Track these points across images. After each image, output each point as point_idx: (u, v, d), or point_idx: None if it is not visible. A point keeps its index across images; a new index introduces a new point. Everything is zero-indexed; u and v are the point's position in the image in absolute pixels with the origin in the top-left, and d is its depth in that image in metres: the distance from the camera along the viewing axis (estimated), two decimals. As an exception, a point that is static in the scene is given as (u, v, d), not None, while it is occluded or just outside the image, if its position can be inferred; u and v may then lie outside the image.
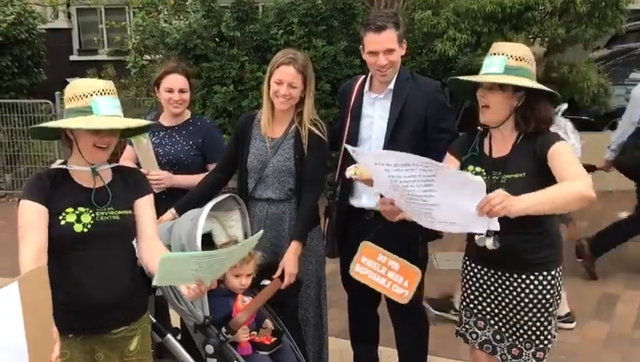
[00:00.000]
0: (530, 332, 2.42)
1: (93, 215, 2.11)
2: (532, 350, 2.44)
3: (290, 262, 2.72)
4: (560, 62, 7.16)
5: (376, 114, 2.85)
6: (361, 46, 2.80)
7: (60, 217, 2.08)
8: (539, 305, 2.38)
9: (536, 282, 2.38)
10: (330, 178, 3.05)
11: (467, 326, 2.61)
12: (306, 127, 2.78)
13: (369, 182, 2.52)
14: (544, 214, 2.25)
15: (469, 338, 2.61)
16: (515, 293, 2.41)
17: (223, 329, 2.50)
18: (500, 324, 2.50)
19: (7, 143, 7.68)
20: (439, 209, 2.13)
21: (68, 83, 2.18)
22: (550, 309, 2.40)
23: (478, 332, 2.57)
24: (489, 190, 2.31)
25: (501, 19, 6.55)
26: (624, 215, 5.31)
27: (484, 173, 2.39)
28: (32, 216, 2.04)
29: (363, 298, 3.11)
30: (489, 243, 2.28)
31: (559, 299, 2.47)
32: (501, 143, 2.41)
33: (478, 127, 2.46)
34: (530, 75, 2.32)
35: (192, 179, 3.07)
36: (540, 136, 2.31)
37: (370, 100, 2.87)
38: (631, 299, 4.49)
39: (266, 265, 2.76)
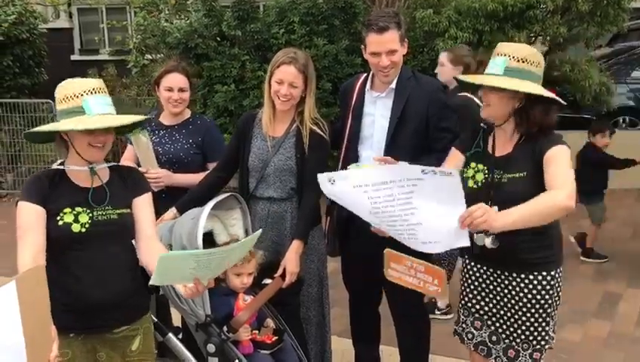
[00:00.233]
0: (527, 333, 2.41)
1: (90, 215, 2.10)
2: (529, 350, 2.43)
3: (291, 260, 2.72)
4: (562, 60, 7.15)
5: (377, 112, 2.84)
6: (362, 45, 2.79)
7: (58, 218, 2.07)
8: (537, 306, 2.38)
9: (535, 282, 2.37)
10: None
11: (464, 326, 2.60)
12: (307, 126, 2.78)
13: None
14: None
15: (465, 339, 2.61)
16: (513, 293, 2.41)
17: (225, 328, 2.50)
18: (498, 324, 2.49)
19: (9, 143, 7.69)
20: (422, 228, 2.13)
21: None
22: (548, 310, 2.39)
23: (475, 332, 2.56)
24: (490, 189, 2.32)
25: (503, 18, 6.54)
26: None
27: (486, 171, 2.39)
28: (30, 218, 2.04)
29: (364, 297, 3.11)
30: (488, 242, 2.28)
31: (559, 300, 2.46)
32: (504, 142, 2.40)
33: (482, 124, 2.46)
34: (533, 76, 2.29)
35: (192, 178, 3.06)
36: (542, 138, 2.30)
37: (372, 99, 2.86)
38: (633, 297, 4.49)
39: (267, 263, 2.76)
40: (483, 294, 2.51)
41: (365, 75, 2.94)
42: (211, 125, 3.32)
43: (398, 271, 2.45)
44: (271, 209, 2.85)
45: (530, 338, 2.41)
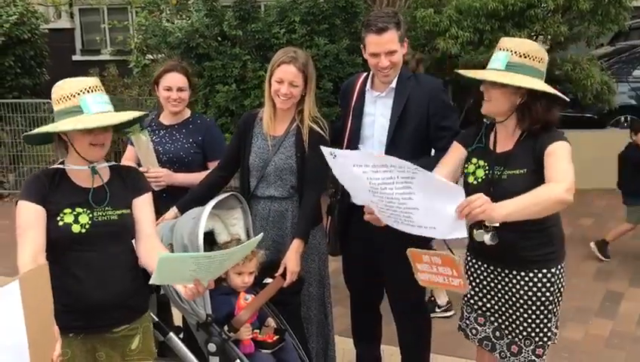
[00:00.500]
0: (529, 329, 2.41)
1: (90, 215, 2.10)
2: (532, 347, 2.43)
3: (292, 260, 2.72)
4: (563, 59, 7.15)
5: (378, 112, 2.84)
6: (362, 46, 2.79)
7: (58, 218, 2.07)
8: (538, 303, 2.38)
9: (535, 279, 2.37)
10: (333, 177, 3.05)
11: (468, 322, 2.61)
12: (307, 125, 2.78)
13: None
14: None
15: (470, 334, 2.62)
16: (514, 290, 2.41)
17: (226, 328, 2.50)
18: (500, 321, 2.50)
19: (11, 143, 7.69)
20: (418, 213, 2.11)
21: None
22: (550, 307, 2.40)
23: (478, 328, 2.57)
24: (490, 186, 2.32)
25: (503, 17, 6.54)
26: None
27: (487, 168, 2.39)
28: (30, 217, 2.04)
29: (365, 296, 3.11)
30: (487, 238, 2.28)
31: (560, 297, 2.46)
32: (505, 139, 2.40)
33: (485, 120, 2.46)
34: (535, 72, 2.28)
35: (192, 178, 3.07)
36: (543, 134, 2.30)
37: (372, 98, 2.86)
38: (635, 296, 4.48)
39: (268, 263, 2.76)
40: (485, 291, 2.51)
41: (366, 74, 2.94)
42: (211, 124, 3.32)
43: (425, 271, 2.43)
44: (272, 208, 2.86)
45: (532, 334, 2.41)
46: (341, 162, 2.22)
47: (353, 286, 3.15)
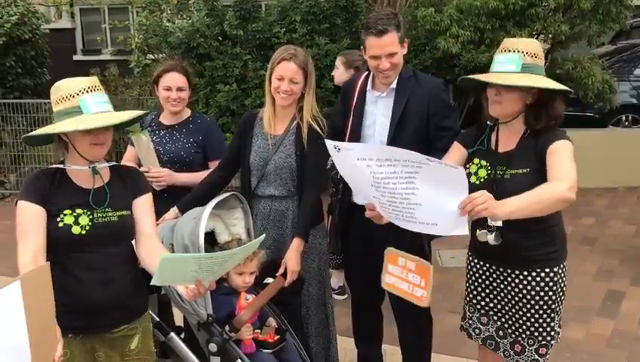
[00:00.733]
0: (532, 329, 2.41)
1: (91, 216, 2.10)
2: (535, 346, 2.43)
3: (292, 259, 2.72)
4: (564, 58, 7.15)
5: (378, 112, 2.84)
6: (362, 47, 2.79)
7: (58, 219, 2.07)
8: (540, 302, 2.38)
9: (538, 279, 2.37)
10: (333, 176, 3.05)
11: (470, 322, 2.61)
12: (307, 122, 2.79)
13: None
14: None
15: (473, 334, 2.61)
16: (516, 289, 2.41)
17: (227, 328, 2.50)
18: (503, 320, 2.50)
19: (12, 143, 7.69)
20: (421, 208, 2.10)
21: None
22: (552, 306, 2.40)
23: (482, 327, 2.57)
24: (493, 185, 2.32)
25: (504, 16, 6.54)
26: None
27: (489, 167, 2.39)
28: (30, 218, 2.03)
29: (366, 296, 3.11)
30: (491, 238, 2.27)
31: (563, 296, 2.46)
32: (508, 138, 2.40)
33: (488, 122, 2.45)
34: (542, 71, 2.31)
35: (193, 177, 3.07)
36: (546, 133, 2.30)
37: (373, 98, 2.86)
38: (636, 296, 4.47)
39: (268, 262, 2.76)
40: (487, 291, 2.51)
41: (366, 73, 2.94)
42: (211, 124, 3.32)
43: (393, 275, 2.44)
44: (272, 207, 2.86)
45: (536, 334, 2.41)
46: (344, 155, 2.20)
47: (354, 285, 3.15)
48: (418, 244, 2.65)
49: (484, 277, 2.51)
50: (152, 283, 1.94)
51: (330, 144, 2.21)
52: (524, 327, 2.43)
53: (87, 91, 2.04)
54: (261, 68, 6.48)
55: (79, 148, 2.09)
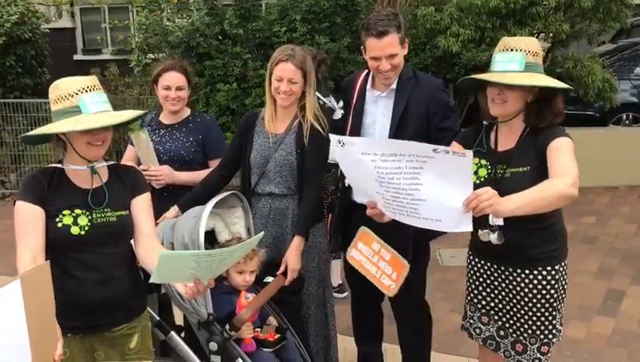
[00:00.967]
0: (534, 327, 2.41)
1: (90, 217, 2.09)
2: (537, 345, 2.43)
3: (292, 257, 2.72)
4: (564, 57, 7.14)
5: (378, 112, 2.84)
6: (362, 47, 2.79)
7: (57, 219, 2.06)
8: (542, 300, 2.38)
9: (539, 277, 2.37)
10: (333, 173, 3.05)
11: (471, 321, 2.61)
12: (309, 120, 2.79)
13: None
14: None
15: (473, 334, 2.61)
16: (518, 288, 2.41)
17: (227, 326, 2.50)
18: (504, 319, 2.49)
19: (12, 143, 7.69)
20: (425, 204, 2.09)
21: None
22: (554, 304, 2.39)
23: (482, 327, 2.57)
24: (493, 185, 2.31)
25: (505, 15, 6.53)
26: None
27: (489, 167, 2.39)
28: (28, 219, 2.03)
29: (366, 293, 3.10)
30: (493, 238, 2.26)
31: (564, 294, 2.46)
32: (507, 137, 2.40)
33: (484, 122, 2.44)
34: (542, 69, 2.32)
35: (193, 176, 3.06)
36: (545, 131, 2.30)
37: (373, 98, 2.86)
38: (637, 294, 4.47)
39: (268, 261, 2.76)
40: (489, 290, 2.51)
41: (367, 71, 2.93)
42: (211, 122, 3.32)
43: (362, 254, 2.42)
44: (272, 205, 2.86)
45: (537, 332, 2.41)
46: (348, 150, 2.19)
47: (353, 283, 3.14)
48: (404, 242, 2.64)
49: (485, 276, 2.51)
50: (150, 280, 1.94)
51: (334, 138, 2.20)
52: (526, 326, 2.43)
53: (87, 91, 2.03)
54: (261, 67, 6.47)
55: (77, 147, 2.09)
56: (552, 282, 2.37)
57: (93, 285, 2.11)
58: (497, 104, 2.33)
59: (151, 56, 7.66)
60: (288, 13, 6.65)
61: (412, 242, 2.68)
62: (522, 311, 2.42)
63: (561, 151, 2.22)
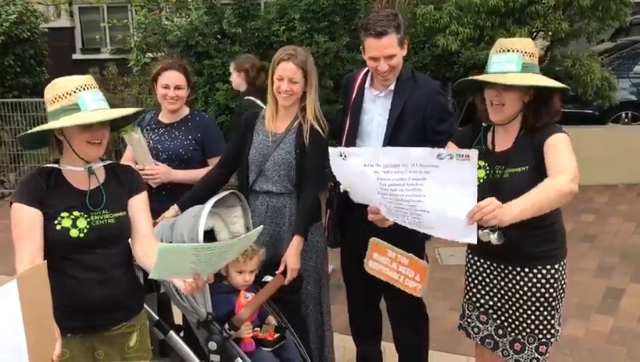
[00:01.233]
0: (533, 326, 2.41)
1: (88, 219, 2.09)
2: (535, 344, 2.43)
3: (292, 256, 2.72)
4: (563, 56, 7.14)
5: (376, 111, 2.84)
6: (361, 47, 2.78)
7: (56, 222, 2.05)
8: (542, 299, 2.37)
9: (539, 276, 2.37)
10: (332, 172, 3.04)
11: (469, 320, 2.61)
12: (309, 121, 2.79)
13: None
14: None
15: (471, 333, 2.61)
16: (517, 287, 2.40)
17: (226, 326, 2.50)
18: (503, 318, 2.49)
19: (11, 142, 7.69)
20: (428, 215, 2.09)
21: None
22: (553, 303, 2.39)
23: (480, 326, 2.57)
24: (492, 186, 2.31)
25: (504, 14, 6.53)
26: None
27: (487, 168, 2.38)
28: (26, 222, 2.02)
29: (364, 291, 3.09)
30: (493, 238, 2.25)
31: (563, 293, 2.46)
32: (504, 137, 2.40)
33: (483, 124, 2.44)
34: (539, 69, 2.32)
35: (191, 174, 3.06)
36: (542, 129, 2.30)
37: (372, 97, 2.86)
38: (636, 293, 4.47)
39: (267, 259, 2.76)
40: (487, 289, 2.51)
41: (366, 69, 2.92)
42: (210, 121, 3.32)
43: (380, 263, 2.42)
44: (270, 203, 2.86)
45: (536, 331, 2.41)
46: (350, 163, 2.18)
47: (350, 278, 3.12)
48: (418, 245, 2.63)
49: (484, 275, 2.51)
50: (149, 276, 1.93)
51: (334, 151, 2.19)
52: (525, 325, 2.42)
53: (85, 89, 2.03)
54: (260, 66, 6.47)
55: (77, 147, 2.08)
56: (552, 281, 2.37)
57: (93, 285, 2.10)
58: (496, 109, 2.32)
59: (150, 55, 7.66)
60: (287, 12, 6.65)
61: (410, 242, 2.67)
62: (521, 310, 2.42)
63: (559, 148, 2.22)
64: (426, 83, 2.84)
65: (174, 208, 2.86)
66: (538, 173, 2.23)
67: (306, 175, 2.81)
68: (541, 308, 2.38)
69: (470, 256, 2.57)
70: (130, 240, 2.22)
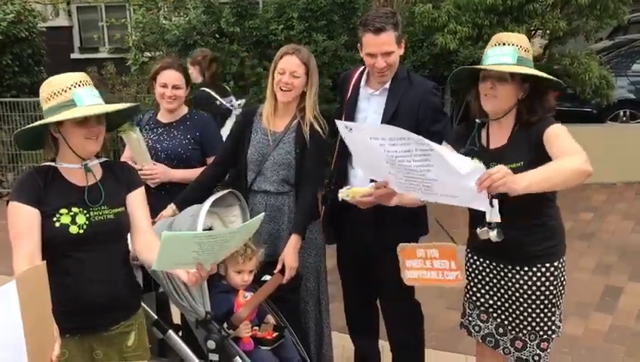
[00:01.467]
0: (534, 324, 2.41)
1: (87, 215, 2.09)
2: (536, 341, 2.43)
3: (290, 255, 2.72)
4: (561, 54, 7.15)
5: (371, 109, 2.84)
6: (359, 44, 2.79)
7: (54, 219, 2.05)
8: (542, 297, 2.38)
9: (538, 274, 2.37)
10: (330, 168, 3.04)
11: (470, 319, 2.61)
12: (308, 122, 2.79)
13: (362, 203, 2.53)
14: (544, 205, 2.27)
15: (472, 331, 2.61)
16: (517, 285, 2.41)
17: (225, 325, 2.50)
18: (503, 317, 2.50)
19: (9, 142, 7.66)
20: (438, 184, 2.10)
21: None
22: (553, 300, 2.40)
23: (481, 325, 2.57)
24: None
25: (502, 12, 6.53)
26: None
27: (482, 164, 2.38)
28: (23, 222, 2.01)
29: (360, 291, 3.08)
30: (493, 235, 2.26)
31: (563, 290, 2.46)
32: (498, 134, 2.40)
33: (477, 120, 2.45)
34: (533, 65, 2.33)
35: (188, 173, 3.06)
36: (537, 124, 2.30)
37: (366, 95, 2.86)
38: (634, 291, 4.48)
39: (265, 258, 2.76)
40: (487, 287, 2.51)
41: (363, 68, 2.93)
42: (208, 120, 3.32)
43: (415, 268, 2.40)
44: (268, 202, 2.86)
45: (537, 329, 2.41)
46: (356, 135, 2.20)
47: (345, 275, 3.11)
48: (412, 240, 2.62)
49: (484, 274, 2.51)
50: (152, 268, 1.94)
51: (341, 124, 2.21)
52: (525, 323, 2.43)
53: (80, 85, 2.04)
54: (258, 65, 6.47)
55: (73, 143, 2.07)
56: (551, 279, 2.37)
57: (93, 284, 2.10)
58: (490, 99, 2.33)
59: (148, 54, 7.66)
60: (285, 11, 6.64)
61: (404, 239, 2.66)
62: (521, 309, 2.42)
63: (561, 136, 2.22)
64: (420, 84, 2.85)
65: (171, 207, 2.86)
66: (534, 168, 2.23)
67: (306, 174, 2.81)
68: (542, 306, 2.39)
69: (470, 256, 2.57)
70: (129, 236, 2.22)
